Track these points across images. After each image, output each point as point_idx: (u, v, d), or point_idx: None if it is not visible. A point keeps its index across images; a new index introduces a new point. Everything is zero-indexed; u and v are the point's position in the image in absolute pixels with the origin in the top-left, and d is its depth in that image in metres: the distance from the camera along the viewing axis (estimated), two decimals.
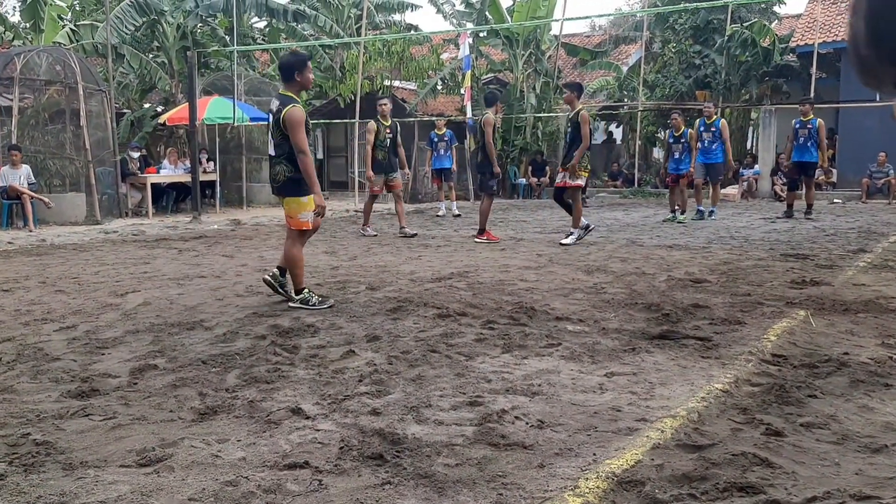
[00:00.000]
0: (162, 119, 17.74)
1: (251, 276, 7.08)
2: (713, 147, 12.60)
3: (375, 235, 10.78)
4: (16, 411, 3.29)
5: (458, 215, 14.48)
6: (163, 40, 19.18)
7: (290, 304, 5.60)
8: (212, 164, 16.64)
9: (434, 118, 17.14)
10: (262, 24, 24.60)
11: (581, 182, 9.51)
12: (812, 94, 17.02)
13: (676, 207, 12.78)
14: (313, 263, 7.86)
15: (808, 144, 12.63)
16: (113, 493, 2.45)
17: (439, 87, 23.46)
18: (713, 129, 12.59)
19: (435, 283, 6.48)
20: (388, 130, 10.73)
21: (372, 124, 10.72)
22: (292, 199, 5.59)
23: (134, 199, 15.56)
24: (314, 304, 5.52)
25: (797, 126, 12.79)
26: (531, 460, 2.72)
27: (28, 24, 18.06)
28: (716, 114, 13.04)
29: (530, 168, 21.63)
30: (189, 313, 5.39)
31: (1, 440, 2.93)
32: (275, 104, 5.54)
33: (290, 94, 5.62)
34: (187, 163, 15.48)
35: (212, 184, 16.51)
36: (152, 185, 15.14)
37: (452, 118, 21.91)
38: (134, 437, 2.98)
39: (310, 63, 5.80)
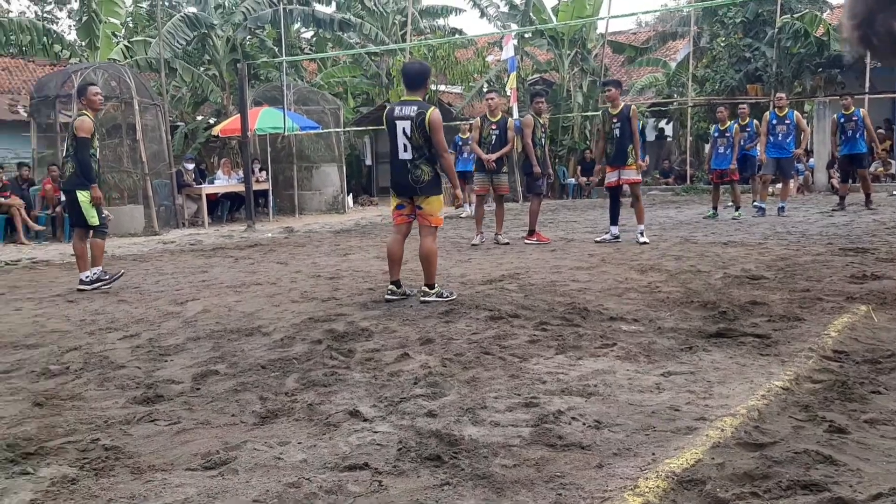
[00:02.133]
0: (215, 131, 18.13)
1: (305, 282, 7.19)
2: (787, 140, 12.26)
3: (481, 244, 9.83)
4: (85, 417, 3.40)
5: (463, 217, 14.54)
6: (213, 53, 19.60)
7: (424, 299, 5.80)
8: (264, 173, 16.93)
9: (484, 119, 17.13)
10: (308, 34, 24.98)
11: (640, 177, 9.54)
12: (867, 84, 16.60)
13: (729, 203, 12.55)
14: (365, 268, 7.95)
15: (857, 136, 12.38)
16: (180, 495, 2.52)
17: (485, 90, 23.48)
18: (787, 121, 12.22)
19: (486, 286, 6.49)
20: (493, 126, 9.87)
21: (476, 121, 10.20)
22: (434, 197, 5.92)
23: (190, 209, 15.91)
24: (447, 297, 5.80)
25: (842, 120, 12.57)
26: (589, 460, 2.71)
27: (84, 43, 18.61)
28: (788, 105, 12.67)
29: (579, 168, 21.50)
30: (247, 320, 5.50)
31: (72, 445, 3.03)
32: (407, 109, 5.80)
33: (418, 98, 5.90)
34: (240, 173, 15.79)
35: (264, 193, 16.80)
36: (207, 195, 15.47)
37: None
38: (198, 440, 3.06)
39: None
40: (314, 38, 24.29)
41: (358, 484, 2.57)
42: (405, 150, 5.83)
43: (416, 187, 5.85)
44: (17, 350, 4.82)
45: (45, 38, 18.25)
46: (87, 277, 7.14)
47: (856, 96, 17.08)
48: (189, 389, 3.79)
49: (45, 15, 42.27)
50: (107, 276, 7.23)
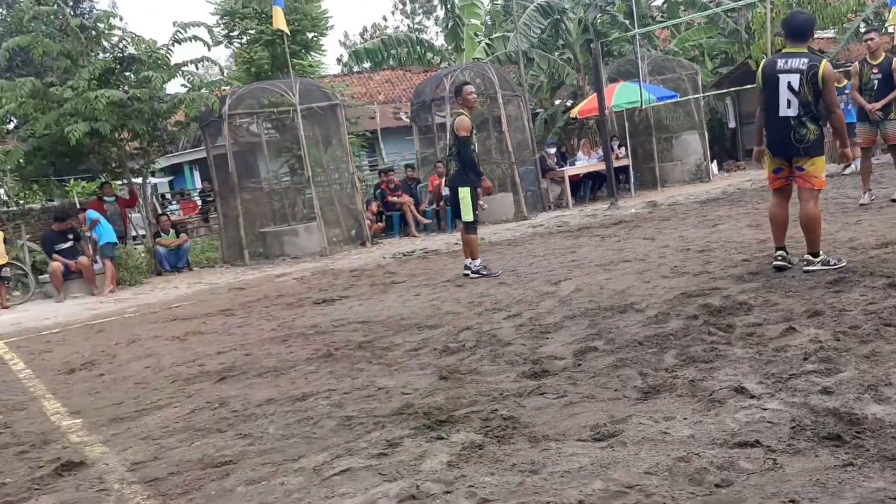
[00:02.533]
0: (572, 113, 18.59)
1: (674, 256, 7.10)
2: None
3: (870, 202, 8.78)
4: (483, 390, 3.77)
5: (846, 174, 12.70)
6: (566, 37, 20.11)
7: (808, 268, 5.45)
8: (623, 149, 16.96)
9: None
10: (659, 1, 24.39)
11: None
12: None
13: None
14: (737, 239, 7.60)
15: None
16: (575, 464, 2.70)
17: (862, 30, 20.86)
18: None
19: (881, 250, 5.83)
20: (875, 70, 8.82)
21: (855, 66, 9.18)
22: (818, 158, 5.49)
23: (554, 192, 16.55)
24: (834, 264, 5.40)
25: None
26: None
27: (450, 46, 20.31)
28: None
29: None
30: (619, 297, 5.61)
31: (475, 415, 3.39)
32: (794, 62, 5.39)
33: (804, 50, 5.51)
34: (600, 152, 16.03)
35: (625, 169, 16.83)
36: (569, 177, 15.96)
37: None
38: (585, 413, 3.23)
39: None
40: (665, 5, 23.64)
41: (750, 461, 2.51)
42: (788, 107, 5.38)
43: (800, 147, 5.41)
44: (421, 330, 5.49)
45: (418, 48, 20.25)
46: (471, 265, 7.77)
47: None
48: (571, 365, 4.00)
49: (415, 26, 46.95)
50: (485, 272, 7.67)
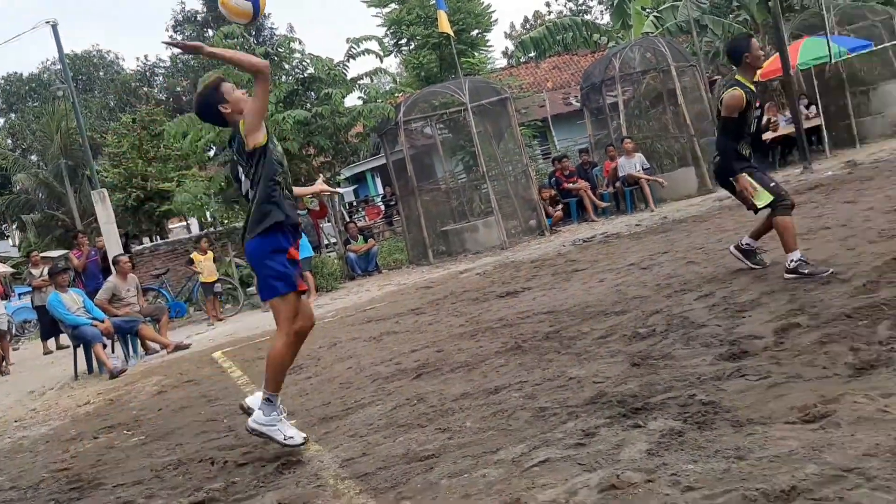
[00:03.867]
0: (756, 76, 17.55)
1: (881, 219, 6.52)
2: None
3: None
4: (678, 375, 3.67)
5: None
6: None
7: None
8: (813, 108, 15.78)
9: None
10: None
11: None
12: None
13: None
14: None
15: None
16: (784, 448, 2.56)
17: None
18: None
19: None
20: None
21: None
22: None
23: None
24: None
25: None
26: None
27: (617, 24, 19.81)
28: None
29: None
30: (823, 266, 5.23)
31: (672, 401, 3.30)
32: None
33: None
34: (787, 114, 15.02)
35: (817, 129, 15.66)
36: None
37: None
38: (792, 394, 3.05)
39: None
40: None
41: None
42: None
43: None
44: (608, 317, 5.41)
45: (583, 30, 19.92)
46: (792, 260, 5.19)
47: None
48: (773, 344, 3.80)
49: (579, 8, 46.19)
50: (806, 270, 5.11)
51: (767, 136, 15.50)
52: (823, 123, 15.62)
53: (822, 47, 14.46)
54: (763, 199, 5.35)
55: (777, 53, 14.43)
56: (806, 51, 15.18)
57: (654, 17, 19.57)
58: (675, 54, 14.69)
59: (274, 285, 3.78)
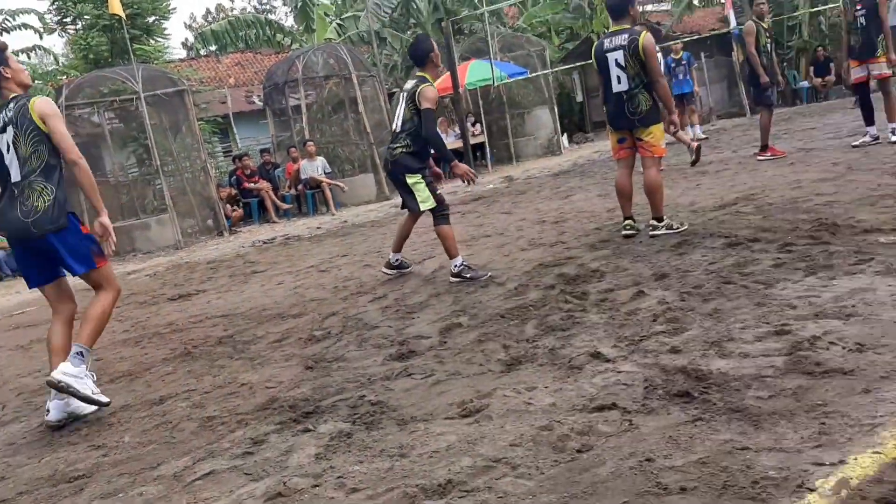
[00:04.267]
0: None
1: (531, 229, 7.28)
2: None
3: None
4: (350, 377, 3.73)
5: (706, 138, 13.66)
6: (417, 16, 20.11)
7: (654, 232, 5.73)
8: (478, 126, 17.21)
9: (690, 37, 16.21)
10: None
11: (890, 70, 8.55)
12: None
13: None
14: (588, 209, 7.89)
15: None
16: (443, 443, 2.71)
17: (696, 2, 22.08)
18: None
19: (719, 211, 6.20)
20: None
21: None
22: (654, 126, 5.76)
23: None
24: (677, 228, 5.68)
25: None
26: (853, 386, 2.55)
27: (301, 27, 19.88)
28: None
29: (811, 69, 19.66)
30: (482, 270, 5.68)
31: (342, 403, 3.35)
32: (618, 39, 5.72)
33: (626, 26, 5.77)
34: (457, 129, 16.20)
35: (481, 145, 17.11)
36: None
37: (716, 31, 20.55)
38: (452, 391, 3.25)
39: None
40: None
41: (608, 424, 2.61)
42: (619, 82, 5.71)
43: (635, 119, 5.72)
44: (285, 320, 5.36)
45: (266, 29, 19.70)
46: (455, 265, 5.57)
47: None
48: (437, 343, 4.02)
49: (263, 7, 45.54)
50: (469, 274, 5.48)
51: None
52: (487, 140, 17.11)
53: (486, 70, 15.81)
54: (429, 203, 5.64)
55: (448, 72, 15.47)
56: (473, 72, 16.50)
57: (338, 24, 19.97)
58: (357, 63, 15.10)
59: None
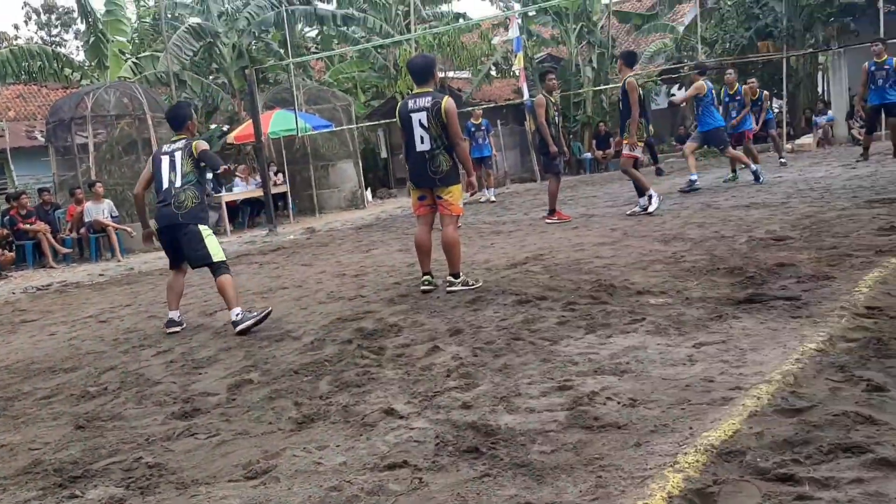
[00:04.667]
0: (229, 138, 18.22)
1: (331, 282, 7.22)
2: (889, 86, 11.80)
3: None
4: (126, 437, 3.45)
5: (493, 201, 14.48)
6: (220, 62, 19.69)
7: (450, 288, 5.85)
8: (281, 176, 16.99)
9: (489, 104, 17.11)
10: (313, 33, 24.98)
11: (634, 153, 9.49)
12: (881, 31, 16.27)
13: (741, 167, 12.03)
14: (389, 263, 7.97)
15: (888, 85, 11.84)
16: None
17: (493, 73, 23.37)
18: (886, 67, 11.76)
19: (511, 270, 6.48)
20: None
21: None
22: (454, 186, 5.95)
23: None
24: (472, 285, 5.86)
25: (872, 69, 11.99)
26: (627, 440, 2.71)
27: (93, 63, 18.76)
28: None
29: (594, 142, 21.38)
30: (276, 325, 5.53)
31: (116, 466, 3.08)
32: (421, 101, 5.86)
33: (429, 89, 5.96)
34: (258, 178, 15.88)
35: (283, 195, 16.87)
36: (227, 203, 15.57)
37: (511, 101, 21.83)
38: (238, 451, 3.09)
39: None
40: (319, 37, 24.30)
41: (399, 483, 2.58)
42: (422, 142, 5.87)
43: (436, 178, 5.89)
44: (56, 374, 4.90)
45: (54, 63, 18.39)
46: (235, 317, 5.50)
47: (869, 44, 16.72)
48: (225, 400, 3.84)
49: (52, 39, 42.64)
50: (250, 320, 5.45)
51: (237, 197, 16.18)
52: (289, 190, 16.91)
53: (291, 120, 15.73)
54: (220, 255, 5.68)
55: (251, 120, 15.21)
56: (277, 121, 16.35)
57: (134, 62, 19.07)
58: (153, 104, 14.47)
59: None
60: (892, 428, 2.52)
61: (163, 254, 12.27)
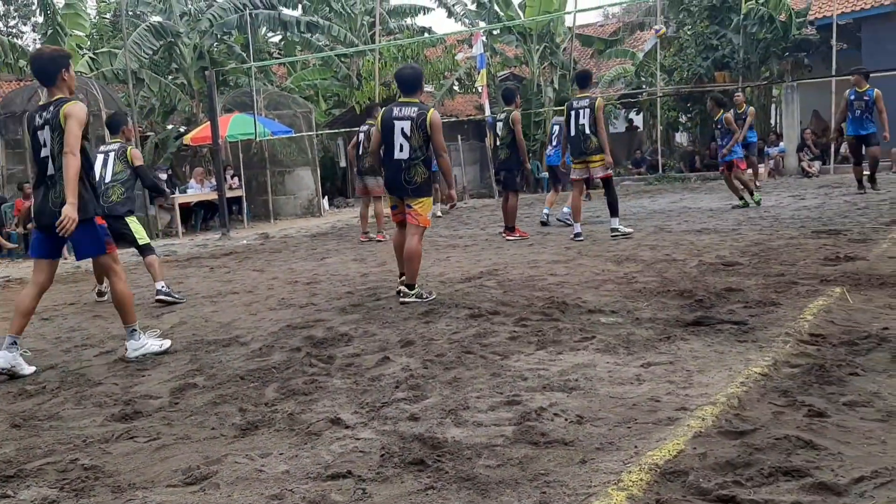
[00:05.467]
0: (185, 140, 17.96)
1: (283, 288, 7.14)
2: (865, 117, 11.92)
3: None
4: (63, 437, 3.35)
5: (440, 216, 14.52)
6: (181, 62, 19.42)
7: (404, 300, 5.87)
8: (237, 180, 16.80)
9: (450, 119, 17.16)
10: (276, 39, 24.81)
11: (573, 175, 9.53)
12: (834, 68, 16.74)
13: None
14: (343, 272, 7.91)
15: (864, 117, 11.93)
16: None
17: (456, 88, 23.48)
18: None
19: (465, 284, 6.49)
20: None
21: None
22: (426, 198, 6.06)
23: (163, 219, 15.75)
24: (426, 297, 5.86)
25: (852, 98, 12.05)
26: (572, 457, 2.71)
27: None
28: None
29: None
30: (224, 330, 5.45)
31: (51, 466, 2.99)
32: (407, 110, 5.97)
33: (416, 100, 6.09)
34: (213, 181, 15.67)
35: (238, 199, 16.68)
36: (180, 205, 15.33)
37: (472, 117, 21.95)
38: (179, 456, 3.02)
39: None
40: (283, 42, 24.13)
41: (342, 493, 2.54)
42: (401, 150, 5.94)
43: (409, 188, 5.94)
44: None
45: (10, 54, 17.95)
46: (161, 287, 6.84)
47: (822, 79, 17.25)
48: (168, 404, 3.75)
49: (8, 30, 41.65)
50: (174, 296, 6.88)
51: (191, 199, 15.95)
52: (245, 195, 16.72)
53: (249, 124, 15.58)
54: (145, 238, 7.11)
55: (209, 122, 15.02)
56: (236, 125, 16.18)
57: (91, 58, 18.71)
58: (108, 101, 14.21)
59: None
60: (831, 453, 2.56)
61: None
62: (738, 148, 11.50)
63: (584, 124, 9.10)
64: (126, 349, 4.81)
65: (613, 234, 9.07)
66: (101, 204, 5.28)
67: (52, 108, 4.56)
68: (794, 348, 3.83)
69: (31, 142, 4.76)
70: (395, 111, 5.99)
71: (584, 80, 9.58)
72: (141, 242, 6.97)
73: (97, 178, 6.06)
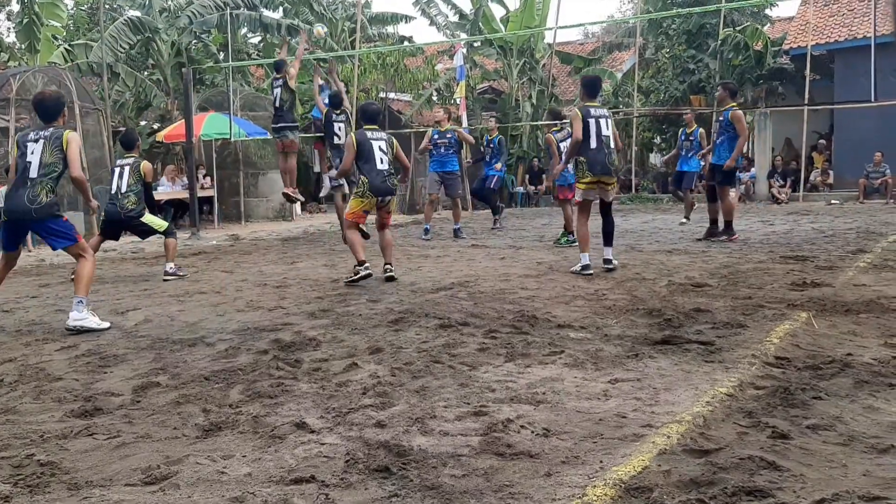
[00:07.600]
0: (159, 136, 17.77)
1: (251, 291, 7.07)
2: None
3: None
4: (19, 432, 3.28)
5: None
6: (157, 58, 19.25)
7: (390, 273, 7.43)
8: (209, 179, 16.65)
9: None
10: (256, 40, 24.68)
11: (585, 196, 8.98)
12: (807, 97, 17.04)
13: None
14: (313, 276, 7.85)
15: (690, 155, 12.40)
16: None
17: (434, 98, 23.51)
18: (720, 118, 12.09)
19: (436, 294, 6.47)
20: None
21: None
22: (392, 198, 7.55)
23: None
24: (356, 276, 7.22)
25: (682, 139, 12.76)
26: (538, 469, 2.71)
27: (23, 46, 18.09)
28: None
29: (527, 176, 21.68)
30: (190, 330, 5.38)
31: (5, 461, 2.92)
32: (378, 134, 7.42)
33: (380, 129, 7.70)
34: (185, 179, 15.51)
35: (209, 200, 16.53)
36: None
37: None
38: (138, 455, 2.97)
39: None
40: (262, 44, 24.02)
41: (304, 498, 2.51)
42: (382, 163, 7.28)
43: (394, 190, 7.44)
44: None
45: None
46: (170, 269, 8.23)
47: (794, 108, 17.57)
48: (129, 402, 3.68)
49: None
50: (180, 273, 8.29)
51: (161, 197, 15.75)
52: (216, 195, 16.57)
53: (225, 124, 15.45)
54: (163, 224, 8.50)
55: (184, 119, 14.89)
56: (210, 124, 16.05)
57: (66, 49, 18.47)
58: (82, 93, 14.02)
59: None
60: (793, 474, 2.59)
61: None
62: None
63: (607, 136, 7.53)
64: (69, 318, 5.47)
65: (608, 266, 7.62)
66: (118, 210, 8.05)
67: (52, 131, 5.65)
68: (759, 370, 3.86)
69: (19, 148, 5.73)
70: (368, 134, 7.30)
71: (593, 87, 7.89)
72: (161, 230, 8.40)
73: (113, 190, 8.15)
